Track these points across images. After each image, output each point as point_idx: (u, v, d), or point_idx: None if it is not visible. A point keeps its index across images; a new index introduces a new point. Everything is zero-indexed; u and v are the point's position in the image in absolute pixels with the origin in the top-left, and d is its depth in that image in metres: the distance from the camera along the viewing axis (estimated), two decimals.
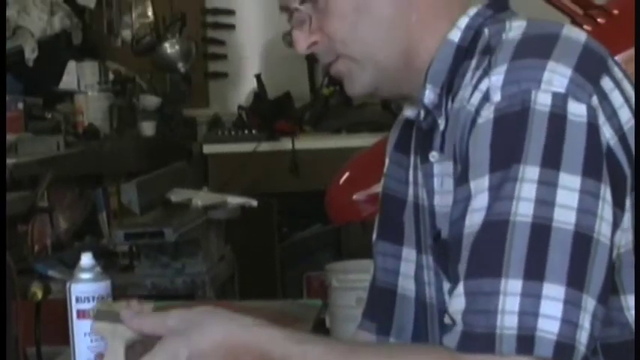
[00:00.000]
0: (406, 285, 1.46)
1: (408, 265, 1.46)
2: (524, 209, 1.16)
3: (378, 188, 1.58)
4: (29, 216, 3.13)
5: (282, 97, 4.56)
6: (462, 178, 1.23)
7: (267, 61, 4.77)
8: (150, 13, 4.73)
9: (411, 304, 1.46)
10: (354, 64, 1.36)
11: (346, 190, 2.92)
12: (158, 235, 2.95)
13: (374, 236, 1.54)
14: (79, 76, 4.32)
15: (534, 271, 1.14)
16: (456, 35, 1.33)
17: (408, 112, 1.43)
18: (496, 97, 1.20)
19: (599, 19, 2.80)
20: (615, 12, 2.78)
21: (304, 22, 1.35)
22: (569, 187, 1.16)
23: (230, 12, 4.90)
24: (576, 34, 1.28)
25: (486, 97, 1.22)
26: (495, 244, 1.16)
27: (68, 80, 4.29)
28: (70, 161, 3.58)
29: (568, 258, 1.15)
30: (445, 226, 1.31)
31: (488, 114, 1.20)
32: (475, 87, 1.24)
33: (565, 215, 1.15)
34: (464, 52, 1.32)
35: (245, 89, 4.85)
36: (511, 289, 1.14)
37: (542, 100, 1.18)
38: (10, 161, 2.85)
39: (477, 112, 1.22)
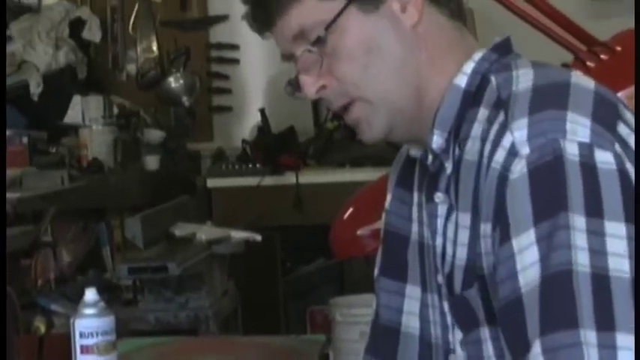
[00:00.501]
0: (410, 323, 1.46)
1: (412, 303, 1.45)
2: (582, 259, 1.15)
3: (382, 224, 1.57)
4: (32, 250, 3.13)
5: (286, 131, 4.57)
6: (503, 238, 1.21)
7: (272, 95, 4.78)
8: (155, 47, 4.75)
9: (415, 343, 1.45)
10: (368, 107, 1.35)
11: (350, 226, 2.91)
12: (162, 270, 2.95)
13: (376, 272, 1.54)
14: (83, 111, 4.33)
15: (605, 322, 1.13)
16: (462, 80, 1.34)
17: (413, 152, 1.43)
18: (525, 150, 1.20)
19: (602, 56, 2.80)
20: (618, 49, 2.79)
21: (312, 66, 1.35)
22: (616, 234, 1.16)
23: (234, 47, 4.92)
24: (585, 82, 1.29)
25: (513, 153, 1.21)
26: (564, 295, 1.14)
27: (73, 114, 4.30)
28: (74, 195, 3.59)
29: (630, 306, 1.14)
30: (460, 277, 1.31)
31: (520, 168, 1.20)
32: (495, 143, 1.24)
33: (619, 264, 1.15)
34: (471, 98, 1.32)
35: (249, 123, 4.86)
36: (590, 340, 1.13)
37: (571, 150, 1.18)
38: (13, 196, 2.86)
39: (506, 168, 1.21)
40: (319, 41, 1.33)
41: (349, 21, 1.32)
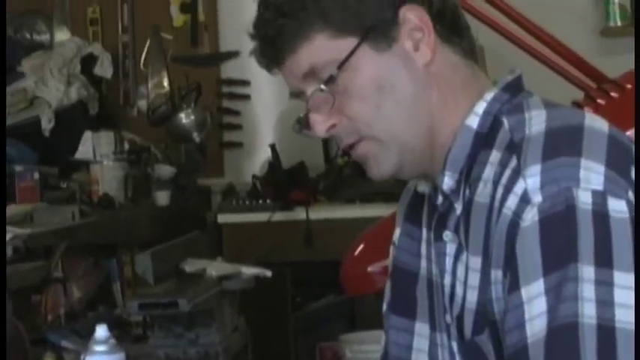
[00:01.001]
0: None
1: (421, 341, 1.45)
2: (588, 310, 1.15)
3: (390, 259, 1.57)
4: (43, 286, 3.13)
5: (297, 166, 4.58)
6: (512, 286, 1.21)
7: (282, 131, 4.79)
8: (166, 83, 4.76)
9: None
10: (379, 145, 1.34)
11: (361, 262, 2.91)
12: (172, 306, 2.94)
13: (384, 308, 1.53)
14: (94, 146, 4.34)
15: None
16: (474, 121, 1.34)
17: (421, 187, 1.43)
18: (537, 198, 1.19)
19: (612, 94, 2.80)
20: (628, 86, 2.79)
21: (323, 105, 1.34)
22: (624, 285, 1.16)
23: (245, 82, 4.93)
24: (599, 125, 1.28)
25: (526, 200, 1.20)
26: (569, 347, 1.15)
27: (84, 150, 4.31)
28: (85, 231, 3.59)
29: (632, 357, 1.14)
30: (470, 322, 1.30)
31: (532, 216, 1.19)
32: (507, 189, 1.23)
33: (625, 315, 1.15)
34: (483, 139, 1.32)
35: (260, 159, 4.87)
36: None
37: (584, 199, 1.18)
38: (24, 231, 2.86)
39: (518, 215, 1.21)
40: (331, 80, 1.32)
41: (361, 59, 1.32)
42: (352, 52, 1.32)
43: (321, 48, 1.33)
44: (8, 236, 2.78)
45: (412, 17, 1.33)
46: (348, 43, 1.32)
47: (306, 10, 1.32)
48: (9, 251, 2.72)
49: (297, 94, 1.38)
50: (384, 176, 1.38)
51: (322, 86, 1.33)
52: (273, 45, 1.35)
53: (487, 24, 3.08)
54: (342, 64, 1.32)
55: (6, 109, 2.86)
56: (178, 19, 5.00)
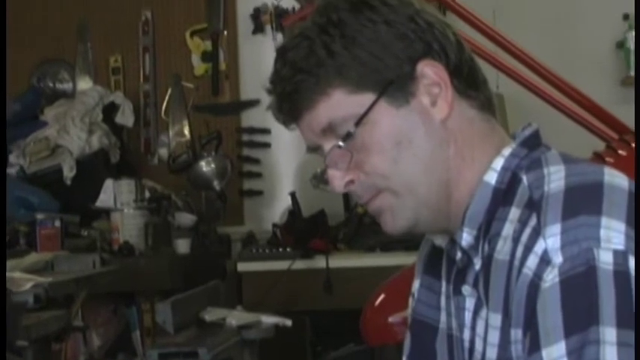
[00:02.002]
0: None
1: None
2: None
3: (409, 310, 1.56)
4: (63, 334, 3.12)
5: (317, 215, 4.57)
6: (533, 347, 1.19)
7: (302, 179, 4.80)
8: (187, 131, 4.79)
9: None
10: (395, 198, 1.34)
11: (382, 312, 2.90)
12: (192, 356, 2.93)
13: None
14: (115, 194, 4.35)
15: None
16: (492, 177, 1.33)
17: (438, 241, 1.42)
18: (557, 259, 1.18)
19: (633, 144, 2.80)
20: None
21: (340, 160, 1.34)
22: None
23: (265, 131, 4.95)
24: (618, 180, 1.26)
25: (546, 261, 1.19)
26: None
27: (105, 198, 4.32)
28: (105, 279, 3.59)
29: None
30: None
31: (552, 277, 1.18)
32: (527, 248, 1.22)
33: None
34: (501, 196, 1.31)
35: (280, 207, 4.88)
36: None
37: (605, 259, 1.17)
38: (46, 280, 2.87)
39: (538, 276, 1.19)
40: (348, 136, 1.32)
41: (379, 115, 1.32)
42: (370, 108, 1.31)
43: (339, 104, 1.32)
44: (29, 285, 2.79)
45: (429, 72, 1.33)
46: (366, 98, 1.32)
47: (323, 66, 1.32)
48: (30, 300, 2.73)
49: (314, 149, 1.38)
50: (399, 231, 1.37)
51: (340, 142, 1.33)
52: (291, 101, 1.35)
53: (508, 74, 3.09)
54: (359, 121, 1.31)
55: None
56: (199, 68, 5.03)
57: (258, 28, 5.01)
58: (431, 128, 1.33)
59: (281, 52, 1.37)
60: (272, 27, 4.97)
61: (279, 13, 4.94)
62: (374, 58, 1.32)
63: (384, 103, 1.32)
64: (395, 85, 1.32)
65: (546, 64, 3.05)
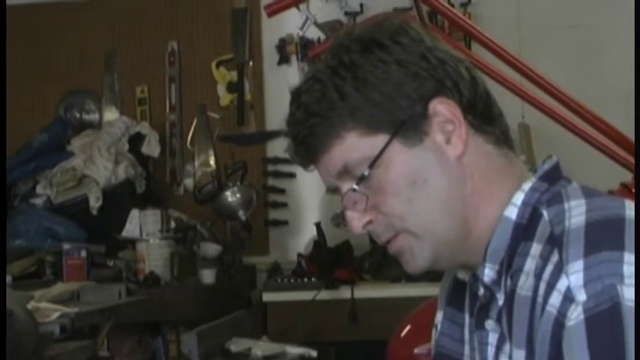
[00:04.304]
0: None
1: None
2: None
3: (432, 342, 1.55)
4: None
5: (342, 245, 4.57)
6: None
7: (327, 209, 4.80)
8: (212, 161, 4.80)
9: None
10: (414, 238, 1.33)
11: (408, 343, 2.89)
12: None
13: None
14: (141, 224, 4.36)
15: None
16: (512, 212, 1.32)
17: (461, 275, 1.42)
18: (581, 297, 1.17)
19: None
20: None
21: (357, 202, 1.33)
22: None
23: (291, 161, 4.94)
24: None
25: (569, 299, 1.18)
26: None
27: (130, 228, 4.34)
28: (131, 309, 3.60)
29: None
30: None
31: (577, 316, 1.17)
32: (550, 285, 1.21)
33: None
34: (522, 231, 1.31)
35: (305, 237, 4.88)
36: None
37: (629, 295, 1.16)
38: (72, 310, 2.88)
39: (562, 314, 1.19)
40: (363, 179, 1.32)
41: (393, 155, 1.31)
42: (383, 150, 1.31)
43: (353, 146, 1.32)
44: (55, 315, 2.80)
45: (442, 110, 1.32)
46: (379, 139, 1.31)
47: (335, 109, 1.32)
48: (56, 330, 2.73)
49: (333, 190, 1.38)
50: (419, 270, 1.36)
51: (355, 186, 1.32)
52: (306, 145, 1.35)
53: (533, 104, 3.09)
54: (373, 163, 1.31)
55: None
56: (225, 98, 5.06)
57: (284, 59, 5.03)
58: (446, 166, 1.32)
59: (295, 95, 1.37)
60: (297, 57, 4.99)
61: (305, 44, 4.96)
62: (386, 99, 1.31)
63: (397, 144, 1.31)
64: (407, 125, 1.31)
65: (572, 94, 3.04)
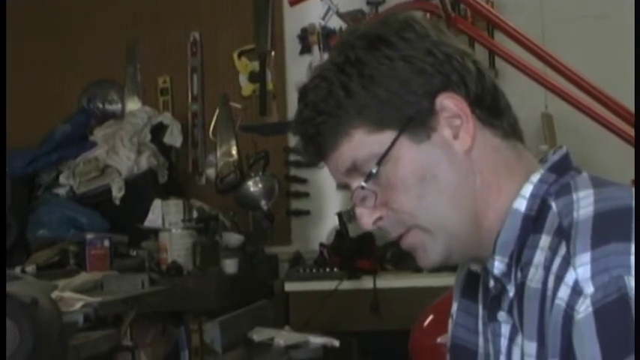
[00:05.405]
0: None
1: None
2: None
3: (448, 334, 1.55)
4: (112, 354, 3.14)
5: (364, 235, 4.56)
6: None
7: (349, 199, 4.79)
8: (234, 151, 4.80)
9: None
10: (425, 234, 1.34)
11: (430, 333, 2.89)
12: None
13: None
14: (163, 214, 4.37)
15: None
16: (521, 204, 1.32)
17: (473, 267, 1.42)
18: (589, 289, 1.17)
19: None
20: None
21: (367, 198, 1.33)
22: None
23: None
24: None
25: (577, 291, 1.18)
26: None
27: (153, 218, 4.35)
28: (154, 299, 3.61)
29: None
30: None
31: (585, 308, 1.17)
32: (559, 278, 1.21)
33: None
34: (531, 223, 1.31)
35: (327, 227, 4.88)
36: None
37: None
38: (95, 300, 2.89)
39: (571, 307, 1.19)
40: (372, 176, 1.32)
41: (401, 152, 1.31)
42: (391, 146, 1.31)
43: (361, 143, 1.32)
44: (79, 304, 2.81)
45: (449, 105, 1.32)
46: (387, 136, 1.31)
47: (342, 107, 1.32)
48: (80, 319, 2.75)
49: (343, 186, 1.37)
50: (433, 265, 1.37)
51: (363, 183, 1.33)
52: (315, 143, 1.35)
53: (557, 93, 3.07)
54: (381, 159, 1.31)
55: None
56: (247, 88, 5.06)
57: (306, 49, 5.03)
58: (454, 161, 1.32)
59: (302, 93, 1.37)
60: (319, 47, 4.99)
61: (327, 34, 4.95)
62: (392, 95, 1.31)
63: (405, 140, 1.31)
64: (415, 121, 1.31)
65: (595, 83, 3.03)
